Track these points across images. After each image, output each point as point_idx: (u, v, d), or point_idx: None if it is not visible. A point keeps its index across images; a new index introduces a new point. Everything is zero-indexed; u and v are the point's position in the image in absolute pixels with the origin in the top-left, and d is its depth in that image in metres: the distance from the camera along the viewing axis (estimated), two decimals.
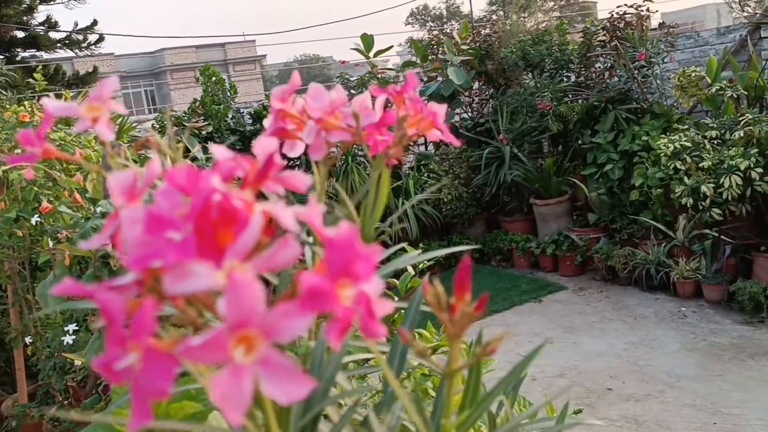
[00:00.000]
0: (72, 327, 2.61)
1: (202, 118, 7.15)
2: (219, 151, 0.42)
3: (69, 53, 15.24)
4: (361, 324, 0.35)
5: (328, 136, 0.61)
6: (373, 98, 0.65)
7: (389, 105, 0.68)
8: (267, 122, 0.68)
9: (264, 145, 0.41)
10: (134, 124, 5.05)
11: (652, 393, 3.99)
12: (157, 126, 7.06)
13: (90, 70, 14.63)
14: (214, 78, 7.43)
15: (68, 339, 2.59)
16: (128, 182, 0.40)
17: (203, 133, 6.97)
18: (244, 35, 33.18)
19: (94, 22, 14.79)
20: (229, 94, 7.68)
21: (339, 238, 0.34)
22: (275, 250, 0.34)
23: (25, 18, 13.95)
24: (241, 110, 8.23)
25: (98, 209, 1.74)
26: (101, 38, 14.95)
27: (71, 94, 4.78)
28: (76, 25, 14.70)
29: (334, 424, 0.44)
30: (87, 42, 14.79)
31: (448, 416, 0.42)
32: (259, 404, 0.39)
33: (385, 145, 0.64)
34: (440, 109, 0.60)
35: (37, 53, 15.21)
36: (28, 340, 3.30)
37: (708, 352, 4.44)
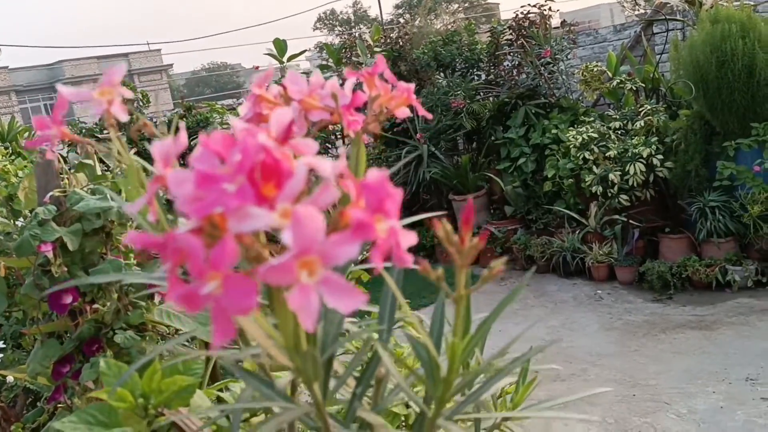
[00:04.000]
0: None
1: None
2: (236, 122, 0.47)
3: None
4: (394, 253, 0.41)
5: (308, 115, 0.66)
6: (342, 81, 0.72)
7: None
8: (243, 109, 0.74)
9: (280, 114, 0.47)
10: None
11: (575, 372, 4.20)
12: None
13: None
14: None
15: None
16: (166, 150, 0.45)
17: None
18: (148, 44, 32.31)
19: None
20: (140, 104, 7.52)
21: (374, 181, 0.41)
22: (319, 193, 0.40)
23: None
24: (154, 120, 8.06)
25: (35, 218, 1.71)
26: None
27: None
28: None
29: (347, 365, 0.51)
30: None
31: (460, 336, 0.50)
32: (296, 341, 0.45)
33: (356, 124, 0.70)
34: (411, 86, 0.67)
35: None
36: None
37: (624, 330, 4.71)
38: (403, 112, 0.68)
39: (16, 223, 2.29)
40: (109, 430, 0.79)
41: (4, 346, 2.71)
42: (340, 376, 0.59)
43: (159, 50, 33.21)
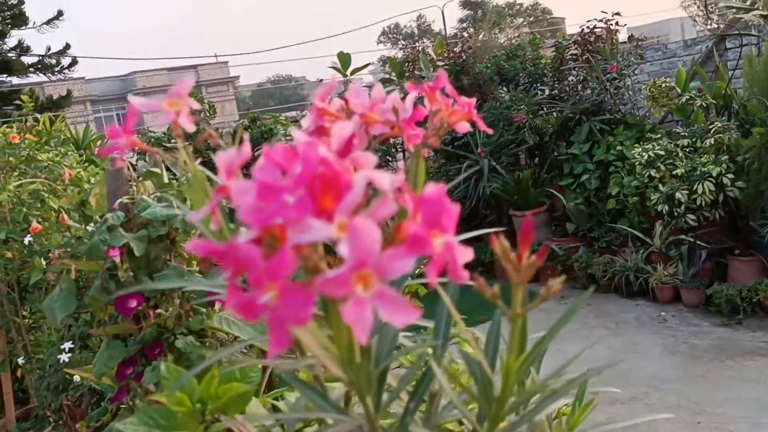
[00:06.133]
0: (68, 345, 2.62)
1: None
2: (299, 134, 0.48)
3: (41, 78, 15.15)
4: (449, 268, 0.41)
5: (369, 129, 0.67)
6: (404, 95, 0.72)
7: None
8: (305, 122, 0.75)
9: (342, 128, 0.47)
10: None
11: (636, 396, 4.08)
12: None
13: (63, 94, 14.55)
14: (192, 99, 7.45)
15: (65, 357, 2.59)
16: (230, 160, 0.46)
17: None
18: (216, 57, 33.19)
19: (67, 46, 14.75)
20: (207, 114, 7.72)
21: (432, 195, 0.41)
22: (378, 206, 0.40)
23: None
24: (220, 130, 8.27)
25: (103, 224, 1.77)
26: (74, 61, 14.91)
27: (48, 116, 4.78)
28: (49, 49, 14.65)
29: (400, 379, 0.51)
30: (60, 66, 14.73)
31: (515, 355, 0.49)
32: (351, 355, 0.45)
33: (416, 138, 0.71)
34: (472, 101, 0.67)
35: (8, 78, 15.09)
36: (20, 361, 3.28)
37: (689, 355, 4.55)
38: (463, 127, 0.68)
39: (88, 227, 2.37)
40: None
41: (72, 346, 2.81)
42: (393, 390, 0.59)
43: (226, 62, 34.06)
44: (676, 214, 5.25)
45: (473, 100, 0.67)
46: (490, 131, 0.69)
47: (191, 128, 0.54)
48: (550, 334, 0.54)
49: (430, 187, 0.41)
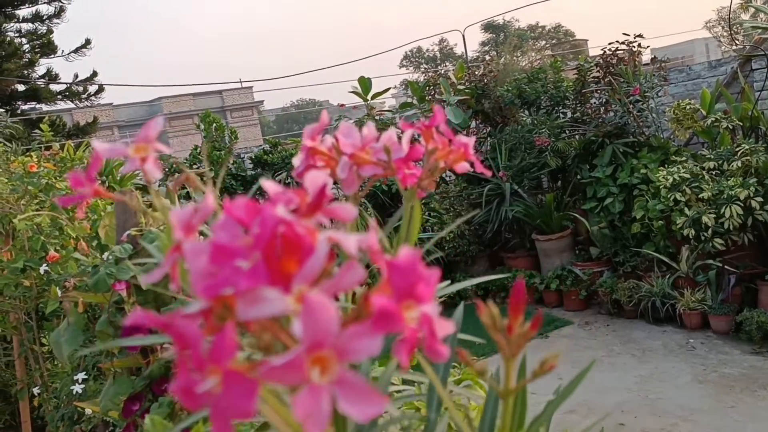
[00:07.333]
0: (81, 376, 2.59)
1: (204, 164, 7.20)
2: (269, 185, 0.44)
3: (69, 104, 15.41)
4: (426, 345, 0.36)
5: (360, 170, 0.62)
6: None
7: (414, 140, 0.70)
8: (296, 160, 0.70)
9: (314, 177, 0.43)
10: (135, 172, 5.10)
11: (665, 427, 3.94)
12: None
13: (89, 120, 14.77)
14: (214, 124, 7.50)
15: (77, 388, 2.57)
16: (187, 217, 0.42)
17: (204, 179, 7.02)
18: (241, 82, 33.58)
19: (94, 74, 15.00)
20: (228, 140, 7.75)
21: (403, 261, 0.36)
22: (341, 274, 0.35)
23: (26, 71, 14.14)
24: (242, 155, 8.30)
25: (111, 256, 1.75)
26: (101, 89, 15.14)
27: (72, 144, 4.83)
28: (77, 76, 14.91)
29: None
30: (87, 93, 14.98)
31: None
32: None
33: (413, 178, 0.66)
34: (470, 140, 0.62)
35: (37, 106, 15.37)
36: (35, 390, 3.27)
37: (719, 384, 4.40)
38: (462, 168, 0.63)
39: (102, 257, 2.35)
40: None
41: (86, 377, 2.78)
42: None
43: (251, 87, 34.43)
44: (703, 238, 5.13)
45: (471, 140, 0.62)
46: (488, 173, 0.64)
47: (158, 175, 0.50)
48: (558, 399, 0.49)
49: (402, 251, 0.36)
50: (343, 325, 0.33)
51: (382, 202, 7.30)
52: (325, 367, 0.33)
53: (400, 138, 0.68)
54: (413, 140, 0.68)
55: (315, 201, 0.40)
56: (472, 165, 0.62)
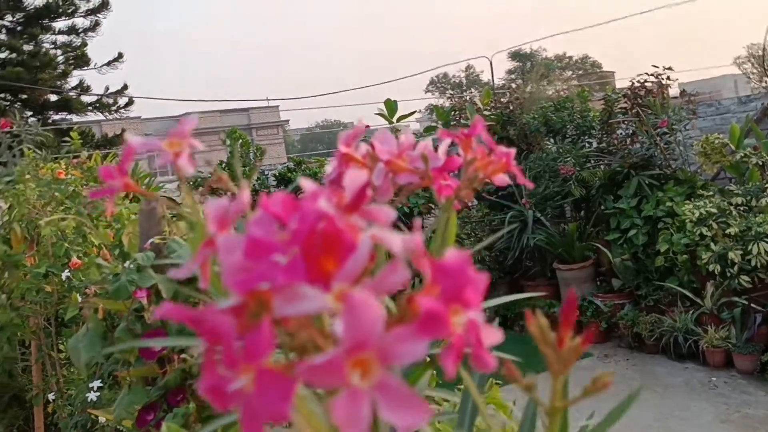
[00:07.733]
0: (97, 383, 2.58)
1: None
2: (307, 183, 0.42)
3: (98, 116, 15.65)
4: (473, 353, 0.34)
5: (395, 178, 0.61)
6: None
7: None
8: (329, 168, 0.69)
9: (354, 176, 0.41)
10: (160, 184, 5.14)
11: None
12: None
13: (117, 132, 14.99)
14: (240, 141, 7.57)
15: (92, 396, 2.56)
16: (222, 210, 0.40)
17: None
18: (268, 100, 33.90)
19: (125, 87, 15.24)
20: (253, 156, 7.81)
21: (452, 263, 0.34)
22: (384, 274, 0.33)
23: (59, 82, 14.41)
24: (266, 172, 8.36)
25: (132, 264, 1.74)
26: (131, 101, 15.37)
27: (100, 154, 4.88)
28: (107, 89, 15.16)
29: None
30: (117, 105, 15.21)
31: None
32: None
33: (449, 189, 0.64)
34: (511, 151, 0.60)
35: (68, 116, 15.63)
36: (50, 397, 3.26)
37: (742, 425, 4.29)
38: (500, 180, 0.61)
39: (125, 265, 2.35)
40: None
41: (102, 384, 2.77)
42: None
43: (277, 106, 34.75)
44: (728, 274, 5.03)
45: (512, 150, 0.60)
46: (531, 185, 0.62)
47: (191, 170, 0.49)
48: (601, 427, 0.46)
49: (451, 253, 0.34)
50: (386, 326, 0.31)
51: (400, 223, 7.27)
52: (366, 370, 0.30)
53: (436, 148, 0.66)
54: (449, 152, 0.67)
55: (354, 200, 0.39)
56: (512, 177, 0.60)
